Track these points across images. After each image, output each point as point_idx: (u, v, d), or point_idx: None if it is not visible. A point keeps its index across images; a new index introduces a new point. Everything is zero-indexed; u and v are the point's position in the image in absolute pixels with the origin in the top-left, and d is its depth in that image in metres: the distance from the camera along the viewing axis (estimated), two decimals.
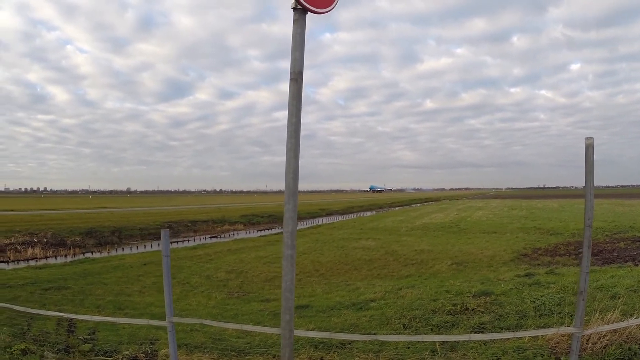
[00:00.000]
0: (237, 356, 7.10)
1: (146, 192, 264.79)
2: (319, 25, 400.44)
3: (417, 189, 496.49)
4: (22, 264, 28.21)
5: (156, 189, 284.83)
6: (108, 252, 34.20)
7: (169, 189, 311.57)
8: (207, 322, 5.96)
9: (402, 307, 10.40)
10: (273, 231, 48.82)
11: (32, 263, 28.49)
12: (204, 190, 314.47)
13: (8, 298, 15.13)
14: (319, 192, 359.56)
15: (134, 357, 6.55)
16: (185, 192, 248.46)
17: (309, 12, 3.95)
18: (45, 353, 6.71)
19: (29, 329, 7.41)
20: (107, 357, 6.73)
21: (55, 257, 31.47)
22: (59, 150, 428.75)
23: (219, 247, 31.65)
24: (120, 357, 6.60)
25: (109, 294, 16.76)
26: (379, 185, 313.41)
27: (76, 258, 30.23)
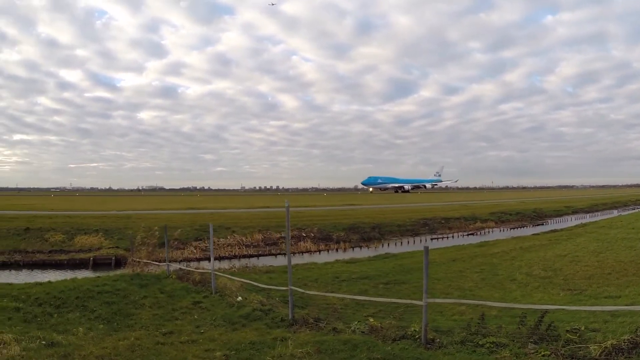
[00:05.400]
0: None
1: None
2: (539, 7, 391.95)
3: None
4: (297, 256, 33.03)
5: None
6: (375, 248, 37.33)
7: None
8: (464, 301, 6.11)
9: None
10: (543, 229, 49.78)
11: (324, 255, 33.33)
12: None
13: (360, 290, 18.23)
14: (547, 188, 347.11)
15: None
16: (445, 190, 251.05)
17: None
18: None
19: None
20: None
21: (327, 251, 35.76)
22: (290, 152, 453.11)
23: (504, 245, 32.20)
24: None
25: (448, 287, 18.78)
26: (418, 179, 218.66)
27: (378, 253, 32.39)
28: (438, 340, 9.16)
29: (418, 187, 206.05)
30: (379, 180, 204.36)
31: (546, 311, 9.38)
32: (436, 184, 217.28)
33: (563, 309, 11.09)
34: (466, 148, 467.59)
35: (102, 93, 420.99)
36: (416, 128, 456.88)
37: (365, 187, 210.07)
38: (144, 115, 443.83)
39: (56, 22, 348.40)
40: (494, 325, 9.83)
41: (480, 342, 8.81)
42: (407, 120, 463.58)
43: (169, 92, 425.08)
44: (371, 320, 10.77)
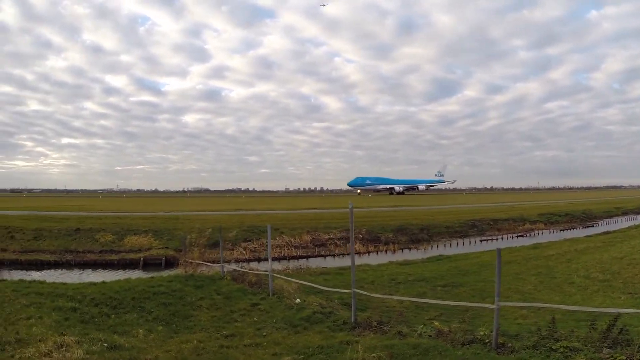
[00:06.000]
0: None
1: None
2: (583, 2, 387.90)
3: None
4: (347, 258, 32.12)
5: None
6: (424, 249, 37.10)
7: (439, 188, 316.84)
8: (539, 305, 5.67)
9: None
10: (594, 230, 48.87)
11: (373, 257, 32.84)
12: (475, 188, 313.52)
13: (418, 293, 17.84)
14: (594, 188, 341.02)
15: None
16: (455, 191, 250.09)
17: None
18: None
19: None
20: None
21: (377, 253, 35.60)
22: (334, 153, 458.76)
23: (558, 247, 31.44)
24: None
25: (507, 290, 17.96)
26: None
27: (427, 255, 32.21)
28: (509, 344, 8.86)
29: (413, 188, 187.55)
30: (368, 181, 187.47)
31: (619, 315, 8.94)
32: (432, 185, 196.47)
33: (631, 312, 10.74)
34: (511, 148, 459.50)
35: (147, 97, 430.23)
36: (460, 128, 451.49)
37: (352, 188, 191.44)
38: (189, 118, 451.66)
39: (100, 29, 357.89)
40: (564, 330, 9.43)
41: (553, 347, 8.48)
42: (451, 120, 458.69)
43: (212, 95, 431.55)
44: (436, 323, 10.51)
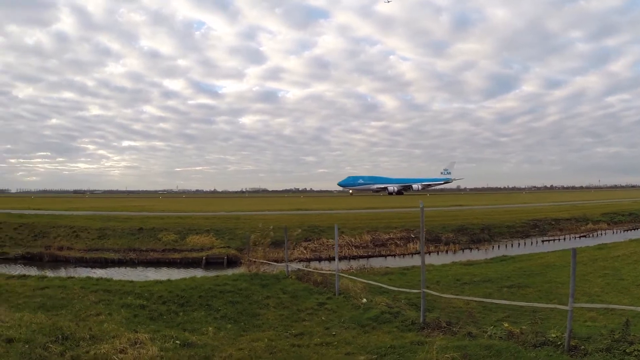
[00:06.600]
0: None
1: (475, 189, 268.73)
2: None
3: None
4: (407, 258, 33.31)
5: (485, 186, 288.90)
6: (485, 250, 36.81)
7: (498, 186, 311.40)
8: (615, 306, 5.36)
9: None
10: None
11: (434, 257, 32.52)
12: (534, 187, 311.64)
13: (484, 294, 17.38)
14: None
15: None
16: (514, 189, 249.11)
17: None
18: None
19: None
20: None
21: (437, 253, 35.50)
22: (391, 152, 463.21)
23: (624, 248, 30.30)
24: None
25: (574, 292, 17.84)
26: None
27: (489, 255, 31.98)
28: (582, 347, 8.57)
29: (409, 187, 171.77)
30: (360, 181, 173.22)
31: None
32: (430, 184, 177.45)
33: None
34: (571, 144, 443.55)
35: (204, 100, 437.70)
36: (519, 125, 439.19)
37: (343, 188, 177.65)
38: (246, 119, 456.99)
39: (157, 35, 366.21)
40: (638, 333, 8.93)
41: (627, 350, 8.20)
42: (510, 117, 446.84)
43: (269, 96, 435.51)
44: (506, 325, 10.24)
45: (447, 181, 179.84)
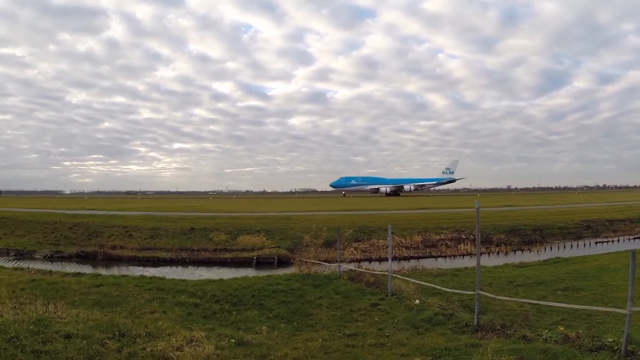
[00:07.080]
0: None
1: (526, 189, 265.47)
2: None
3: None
4: (458, 259, 33.28)
5: (536, 186, 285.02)
6: (537, 251, 36.25)
7: (550, 186, 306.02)
8: None
9: None
10: None
11: (485, 259, 32.11)
12: (586, 187, 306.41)
13: (538, 296, 16.57)
14: None
15: None
16: (566, 189, 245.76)
17: None
18: None
19: None
20: None
21: (488, 254, 35.17)
22: (441, 152, 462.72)
23: None
24: None
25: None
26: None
27: (541, 257, 31.20)
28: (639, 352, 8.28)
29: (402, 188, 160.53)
30: (353, 181, 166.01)
31: None
32: (424, 185, 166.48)
33: None
34: (625, 142, 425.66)
35: (253, 102, 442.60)
36: (571, 122, 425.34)
37: (337, 189, 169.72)
38: (295, 121, 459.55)
39: (206, 39, 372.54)
40: None
41: None
42: (561, 114, 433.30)
43: (318, 97, 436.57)
44: (561, 328, 9.95)
45: (450, 181, 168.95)
